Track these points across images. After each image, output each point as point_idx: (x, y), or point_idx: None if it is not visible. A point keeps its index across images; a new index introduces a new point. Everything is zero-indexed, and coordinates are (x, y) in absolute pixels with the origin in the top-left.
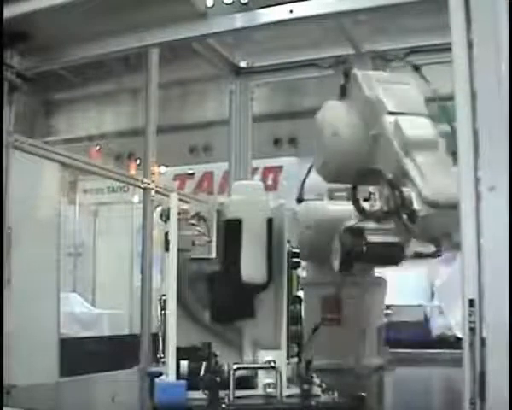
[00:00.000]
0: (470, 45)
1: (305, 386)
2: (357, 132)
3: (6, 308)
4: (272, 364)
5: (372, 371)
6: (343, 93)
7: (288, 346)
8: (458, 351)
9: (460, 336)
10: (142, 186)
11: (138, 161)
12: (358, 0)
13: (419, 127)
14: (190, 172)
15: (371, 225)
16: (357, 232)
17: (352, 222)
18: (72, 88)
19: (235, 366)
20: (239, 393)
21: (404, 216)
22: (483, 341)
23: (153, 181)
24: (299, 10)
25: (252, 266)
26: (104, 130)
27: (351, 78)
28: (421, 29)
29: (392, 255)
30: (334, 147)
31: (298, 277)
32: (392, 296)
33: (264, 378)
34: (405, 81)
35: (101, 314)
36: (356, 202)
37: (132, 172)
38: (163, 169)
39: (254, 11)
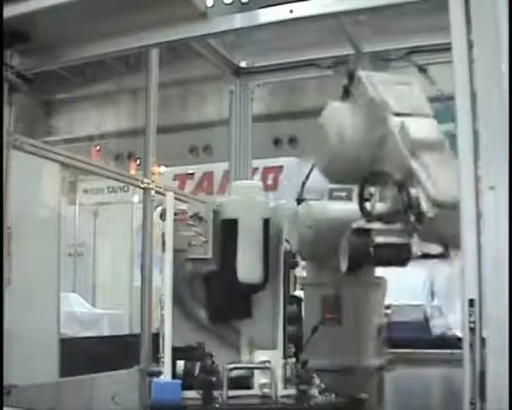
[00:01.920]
0: (470, 45)
1: (302, 387)
2: (362, 135)
3: (6, 308)
4: (267, 364)
5: (372, 371)
6: (346, 94)
7: (284, 346)
8: (458, 351)
9: (460, 336)
10: (142, 186)
11: (138, 161)
12: (358, 0)
13: (425, 128)
14: (190, 172)
15: (378, 225)
16: (365, 234)
17: (359, 223)
18: (72, 88)
19: (229, 366)
20: (234, 393)
21: (412, 217)
22: (483, 341)
23: (153, 181)
24: (299, 10)
25: (248, 266)
26: (104, 130)
27: (355, 79)
28: (421, 29)
29: (400, 256)
30: (340, 151)
31: (295, 277)
32: (392, 296)
33: (260, 378)
34: (408, 81)
35: (101, 314)
36: (362, 205)
37: (132, 172)
38: (163, 169)
39: (254, 11)
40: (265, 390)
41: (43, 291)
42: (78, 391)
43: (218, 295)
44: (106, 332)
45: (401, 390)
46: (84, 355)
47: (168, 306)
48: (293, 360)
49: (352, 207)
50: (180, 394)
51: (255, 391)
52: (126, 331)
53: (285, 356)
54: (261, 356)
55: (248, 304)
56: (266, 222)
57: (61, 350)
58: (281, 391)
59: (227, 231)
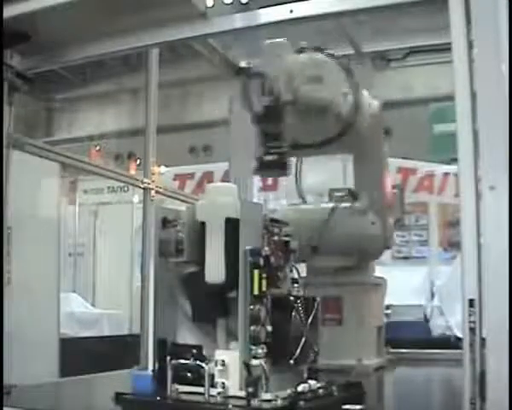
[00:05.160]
0: (470, 45)
1: (250, 389)
2: None
3: (6, 308)
4: (220, 363)
5: (372, 371)
6: None
7: (246, 347)
8: (458, 351)
9: (460, 336)
10: (142, 186)
11: (138, 161)
12: (358, 0)
13: None
14: (190, 172)
15: None
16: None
17: None
18: (72, 88)
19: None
20: (186, 388)
21: None
22: (483, 341)
23: (153, 181)
24: (299, 10)
25: (212, 267)
26: (104, 130)
27: None
28: (421, 29)
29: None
30: None
31: (261, 276)
32: (392, 296)
33: (219, 378)
34: None
35: (101, 314)
36: None
37: (132, 172)
38: (163, 169)
39: (254, 11)
40: (219, 389)
41: (43, 291)
42: (77, 391)
43: (193, 296)
44: (106, 332)
45: (401, 390)
46: (84, 355)
47: (151, 305)
48: (259, 361)
49: (320, 207)
50: (149, 385)
51: (217, 390)
52: (126, 332)
53: (252, 357)
54: (220, 356)
55: (219, 304)
56: (229, 222)
57: (61, 350)
58: (232, 391)
59: (198, 233)
